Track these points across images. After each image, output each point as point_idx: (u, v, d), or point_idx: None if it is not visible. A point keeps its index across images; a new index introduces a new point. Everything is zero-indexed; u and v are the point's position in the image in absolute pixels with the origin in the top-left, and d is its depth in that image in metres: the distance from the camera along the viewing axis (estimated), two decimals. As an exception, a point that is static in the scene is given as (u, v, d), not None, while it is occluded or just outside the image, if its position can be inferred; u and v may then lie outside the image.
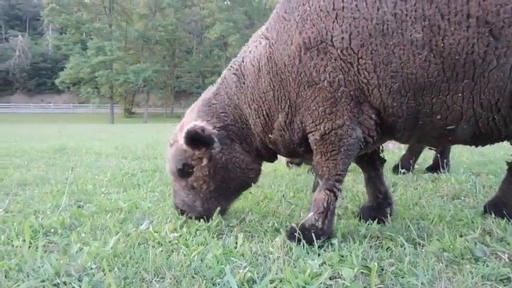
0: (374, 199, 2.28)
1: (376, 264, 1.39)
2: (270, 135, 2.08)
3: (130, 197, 2.89)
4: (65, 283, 1.41)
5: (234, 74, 2.14)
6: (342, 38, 1.71)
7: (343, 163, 1.86)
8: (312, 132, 1.88)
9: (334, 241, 1.79)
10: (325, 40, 1.74)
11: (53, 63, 54.26)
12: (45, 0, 44.79)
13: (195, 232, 2.00)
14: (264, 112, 2.03)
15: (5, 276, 1.45)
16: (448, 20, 1.57)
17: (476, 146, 1.99)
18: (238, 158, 2.15)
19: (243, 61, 2.13)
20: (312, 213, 1.87)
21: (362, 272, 1.49)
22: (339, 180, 1.88)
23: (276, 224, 2.08)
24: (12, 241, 1.85)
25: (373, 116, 1.81)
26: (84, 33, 47.47)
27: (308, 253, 1.70)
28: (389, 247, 1.76)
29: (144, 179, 3.78)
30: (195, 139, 2.00)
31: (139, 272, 1.50)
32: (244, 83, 2.09)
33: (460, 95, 1.66)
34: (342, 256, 1.66)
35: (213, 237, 1.92)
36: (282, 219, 2.20)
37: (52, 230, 2.03)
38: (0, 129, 19.37)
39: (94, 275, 1.45)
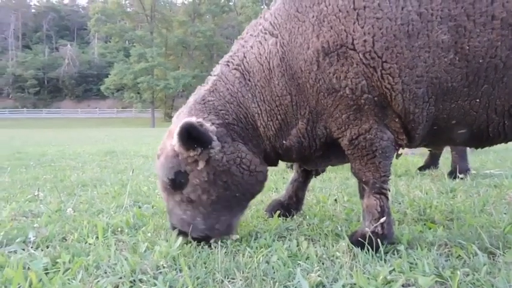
0: (288, 198, 2.43)
1: (458, 273, 1.33)
2: (284, 141, 1.91)
3: (185, 199, 2.96)
4: (140, 280, 1.46)
5: (235, 69, 1.93)
6: (365, 41, 1.60)
7: (384, 165, 1.78)
8: (339, 137, 1.80)
9: (400, 247, 1.74)
10: (345, 44, 1.63)
11: (98, 71, 57.21)
12: (91, 11, 47.30)
13: (256, 234, 2.01)
14: (279, 117, 1.86)
15: (85, 272, 1.52)
16: (473, 21, 1.50)
17: (477, 147, 1.98)
18: (245, 158, 1.86)
19: (244, 56, 1.92)
20: (368, 222, 1.80)
21: (436, 281, 1.43)
22: (385, 181, 1.80)
23: (338, 228, 2.06)
24: (85, 239, 1.95)
25: (397, 119, 1.73)
26: (127, 41, 49.58)
27: (374, 259, 1.66)
28: (460, 255, 1.68)
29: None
30: (192, 135, 1.70)
31: (210, 271, 1.53)
32: (250, 81, 1.89)
33: (477, 100, 1.61)
34: (411, 263, 1.60)
35: (274, 240, 1.92)
36: (341, 224, 2.17)
37: (119, 229, 2.12)
38: (53, 133, 20.61)
39: (167, 274, 1.50)
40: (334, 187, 3.42)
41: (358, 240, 1.76)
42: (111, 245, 1.78)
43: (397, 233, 1.91)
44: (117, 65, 44.32)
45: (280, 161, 2.15)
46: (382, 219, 1.75)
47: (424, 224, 2.16)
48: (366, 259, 1.64)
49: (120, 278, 1.48)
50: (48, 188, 3.64)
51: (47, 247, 1.85)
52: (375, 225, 1.76)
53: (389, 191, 1.83)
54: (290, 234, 2.04)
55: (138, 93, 44.01)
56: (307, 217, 2.33)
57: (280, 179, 3.96)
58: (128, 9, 48.80)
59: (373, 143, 1.73)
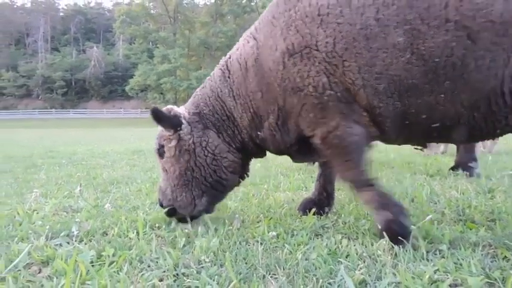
0: (318, 194, 2.47)
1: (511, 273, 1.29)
2: (259, 133, 2.09)
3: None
4: (184, 274, 1.49)
5: (220, 69, 2.21)
6: (327, 42, 1.75)
7: (358, 158, 1.86)
8: (311, 137, 1.91)
9: (442, 247, 1.71)
10: (309, 45, 1.77)
11: (123, 72, 58.41)
12: (117, 13, 48.38)
13: (292, 232, 2.01)
14: (252, 110, 2.07)
15: (129, 265, 1.56)
16: (427, 24, 1.60)
17: (461, 143, 2.06)
18: (211, 143, 2.14)
19: (229, 58, 2.18)
20: (376, 215, 1.85)
21: (486, 282, 1.39)
22: (366, 173, 1.87)
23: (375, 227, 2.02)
24: (125, 233, 2.00)
25: (365, 113, 1.81)
26: (150, 42, 50.45)
27: (416, 258, 1.63)
28: (506, 256, 1.62)
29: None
30: (158, 117, 2.07)
31: (251, 267, 1.54)
32: (229, 77, 2.13)
33: (442, 95, 1.68)
34: (455, 263, 1.56)
35: (310, 238, 1.92)
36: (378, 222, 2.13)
37: (157, 225, 2.16)
38: (80, 133, 21.21)
39: (209, 268, 1.52)
40: (365, 186, 3.37)
41: (385, 233, 1.76)
42: (152, 240, 1.82)
43: (438, 233, 1.87)
44: (141, 66, 45.18)
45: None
46: (374, 213, 1.83)
47: (464, 225, 2.10)
48: (408, 258, 1.61)
49: (164, 271, 1.51)
50: (83, 185, 3.75)
51: (90, 241, 1.91)
52: (381, 214, 1.80)
53: (377, 179, 1.87)
54: (326, 232, 2.02)
55: (162, 93, 44.66)
56: (342, 215, 2.31)
57: (308, 177, 3.94)
58: (152, 11, 49.59)
59: (344, 138, 1.83)
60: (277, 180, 3.73)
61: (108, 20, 69.97)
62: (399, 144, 2.11)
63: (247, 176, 2.37)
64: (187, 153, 2.11)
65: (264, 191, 3.22)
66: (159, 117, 2.08)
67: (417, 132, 1.89)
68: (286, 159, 3.41)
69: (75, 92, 61.38)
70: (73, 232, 1.97)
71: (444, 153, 6.25)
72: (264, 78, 1.95)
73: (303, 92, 1.82)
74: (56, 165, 5.77)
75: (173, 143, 2.12)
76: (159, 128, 2.21)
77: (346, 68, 1.73)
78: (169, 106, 2.22)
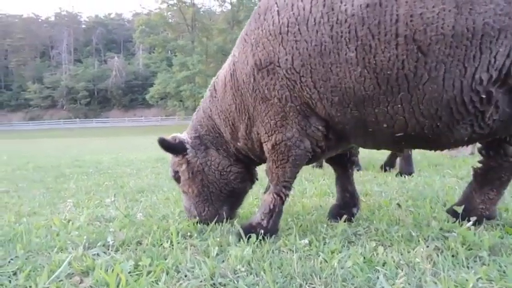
0: (342, 198, 2.52)
1: None
2: (238, 143, 2.28)
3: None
4: (221, 284, 1.50)
5: (209, 90, 2.43)
6: (286, 59, 1.87)
7: (291, 171, 2.07)
8: (265, 142, 2.08)
9: (482, 253, 1.66)
10: (273, 61, 1.92)
11: (143, 80, 59.49)
12: (136, 24, 49.41)
13: (323, 239, 2.00)
14: (230, 123, 2.25)
15: (167, 275, 1.58)
16: (378, 39, 1.66)
17: (431, 150, 2.03)
18: (214, 161, 2.38)
19: (217, 78, 2.38)
20: (259, 213, 2.10)
21: (533, 290, 1.34)
22: (286, 187, 2.10)
23: (409, 233, 1.99)
24: (158, 243, 2.03)
25: (320, 127, 1.97)
26: (169, 51, 51.27)
27: (455, 265, 1.59)
28: (551, 263, 1.56)
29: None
30: (165, 145, 2.32)
31: (287, 276, 1.53)
32: (215, 97, 2.33)
33: (399, 106, 1.73)
34: (498, 271, 1.51)
35: (343, 245, 1.90)
36: (410, 229, 2.09)
37: (188, 234, 2.18)
38: (104, 142, 21.70)
39: (245, 278, 1.52)
40: (394, 191, 3.32)
41: (247, 229, 2.04)
42: (186, 249, 1.84)
43: (476, 239, 1.82)
44: (161, 74, 45.89)
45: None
46: (260, 211, 2.09)
47: (502, 229, 2.03)
48: (448, 266, 1.57)
49: (201, 281, 1.52)
50: (112, 194, 3.83)
51: (125, 250, 1.94)
52: (262, 218, 2.07)
53: (287, 196, 2.13)
54: (359, 239, 2.00)
55: (181, 101, 45.18)
56: (374, 222, 2.28)
57: (333, 182, 3.90)
58: (170, 20, 50.25)
59: (291, 149, 2.01)
60: (302, 186, 3.71)
61: (128, 30, 71.55)
62: (374, 149, 2.21)
63: (257, 179, 2.59)
64: (198, 173, 2.37)
65: (290, 197, 3.20)
66: (165, 145, 2.33)
67: (384, 140, 1.96)
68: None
69: (97, 101, 62.93)
70: (109, 242, 2.01)
71: (472, 155, 6.08)
72: (238, 90, 2.11)
73: (270, 101, 1.98)
74: (83, 175, 5.92)
75: (184, 166, 2.38)
76: (171, 157, 2.47)
77: (303, 83, 1.86)
78: (173, 134, 2.48)
